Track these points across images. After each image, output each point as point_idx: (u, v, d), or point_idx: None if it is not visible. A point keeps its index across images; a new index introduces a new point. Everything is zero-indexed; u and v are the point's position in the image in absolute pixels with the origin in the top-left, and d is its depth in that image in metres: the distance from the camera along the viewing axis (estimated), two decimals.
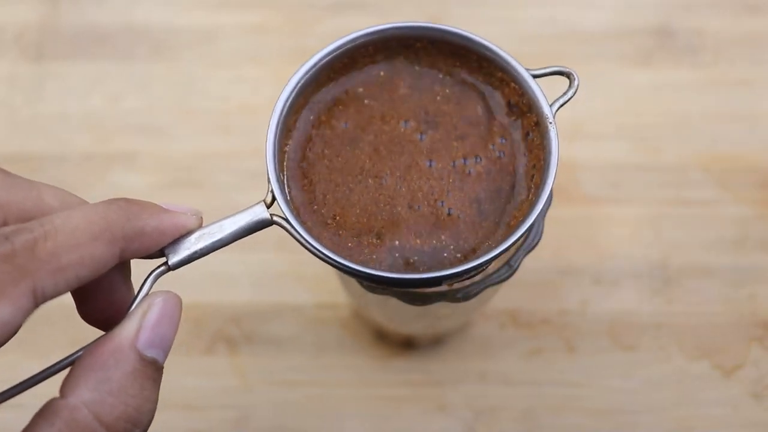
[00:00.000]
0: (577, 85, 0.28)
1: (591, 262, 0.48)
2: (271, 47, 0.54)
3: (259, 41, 0.55)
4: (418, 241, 0.28)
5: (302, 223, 0.26)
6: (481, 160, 0.29)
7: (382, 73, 0.31)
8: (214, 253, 0.26)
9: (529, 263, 0.37)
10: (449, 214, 0.29)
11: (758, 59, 0.54)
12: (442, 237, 0.28)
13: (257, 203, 0.26)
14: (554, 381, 0.45)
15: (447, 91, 0.31)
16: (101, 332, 0.24)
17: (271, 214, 0.26)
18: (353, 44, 0.29)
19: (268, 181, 0.27)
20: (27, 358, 0.43)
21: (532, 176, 0.29)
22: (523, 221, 0.27)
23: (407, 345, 0.46)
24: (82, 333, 0.46)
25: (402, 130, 0.30)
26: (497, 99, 0.30)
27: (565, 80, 0.29)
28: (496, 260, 0.27)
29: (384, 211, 0.29)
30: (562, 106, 0.28)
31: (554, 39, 0.54)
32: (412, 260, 0.28)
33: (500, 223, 0.29)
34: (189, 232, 0.25)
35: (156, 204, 0.24)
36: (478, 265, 0.26)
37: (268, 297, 0.47)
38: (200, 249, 0.25)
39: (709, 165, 0.50)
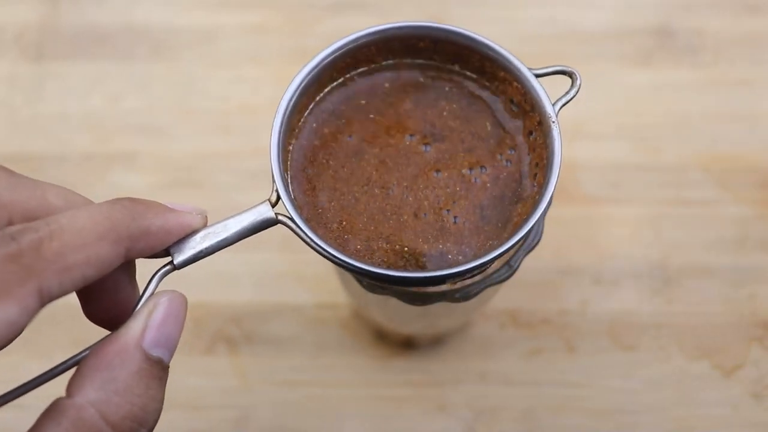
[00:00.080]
0: (579, 85, 0.28)
1: (591, 262, 0.48)
2: (271, 47, 0.54)
3: (259, 41, 0.55)
4: (426, 246, 0.28)
5: (307, 222, 0.26)
6: (487, 169, 0.30)
7: (387, 85, 0.31)
8: (214, 252, 0.26)
9: (529, 263, 0.37)
10: (455, 223, 0.29)
11: (758, 59, 0.54)
12: (448, 244, 0.28)
13: (262, 202, 0.26)
14: (554, 381, 0.46)
15: (454, 105, 0.31)
16: (104, 332, 0.24)
17: (276, 214, 0.26)
18: (356, 44, 0.29)
19: (273, 181, 0.27)
20: (29, 358, 0.43)
21: (535, 175, 0.29)
22: (527, 220, 0.27)
23: (407, 345, 0.46)
24: (84, 333, 0.46)
25: (407, 142, 0.30)
26: (500, 100, 0.30)
27: (566, 80, 0.29)
28: (497, 260, 0.27)
29: (391, 219, 0.29)
30: (564, 105, 0.28)
31: (554, 39, 0.54)
32: (418, 262, 0.28)
33: (504, 226, 0.29)
34: (194, 232, 0.25)
35: (161, 203, 0.24)
36: (482, 264, 0.26)
37: (268, 297, 0.47)
38: (205, 248, 0.25)
39: (709, 165, 0.50)
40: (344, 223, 0.29)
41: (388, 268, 0.28)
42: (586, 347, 0.46)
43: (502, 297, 0.47)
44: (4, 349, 0.20)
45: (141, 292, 0.24)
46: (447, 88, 0.31)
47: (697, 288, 0.47)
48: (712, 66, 0.53)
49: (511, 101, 0.30)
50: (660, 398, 0.45)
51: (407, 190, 0.29)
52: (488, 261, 0.26)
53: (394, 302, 0.32)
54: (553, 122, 0.28)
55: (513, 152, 0.30)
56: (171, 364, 0.23)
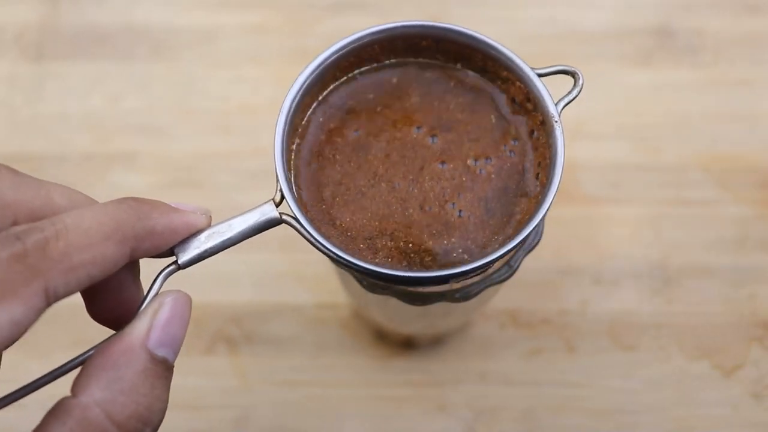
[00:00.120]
0: (582, 84, 0.28)
1: (591, 262, 0.48)
2: (271, 47, 0.54)
3: (259, 41, 0.55)
4: (431, 242, 0.28)
5: (311, 222, 0.26)
6: (492, 160, 0.30)
7: (393, 80, 0.31)
8: (206, 259, 0.26)
9: (529, 263, 0.37)
10: (460, 216, 0.29)
11: (758, 59, 0.54)
12: (453, 239, 0.28)
13: (266, 202, 0.26)
14: (554, 381, 0.46)
15: (459, 99, 0.31)
16: (103, 332, 0.24)
17: (280, 213, 0.26)
18: (359, 43, 0.29)
19: (277, 180, 0.27)
20: (28, 359, 0.43)
21: (537, 174, 0.29)
22: (530, 219, 0.27)
23: (407, 345, 0.46)
24: (84, 333, 0.46)
25: (414, 135, 0.30)
26: (503, 99, 0.30)
27: (567, 79, 0.29)
28: (492, 265, 0.27)
29: (396, 214, 0.29)
30: (567, 104, 0.28)
31: (554, 39, 0.54)
32: (423, 260, 0.28)
33: (508, 223, 0.29)
34: (198, 232, 0.25)
35: (166, 203, 0.24)
36: (486, 263, 0.26)
37: (268, 297, 0.47)
38: (210, 248, 0.25)
39: (709, 165, 0.50)
40: (348, 219, 0.29)
41: (393, 267, 0.28)
42: (586, 347, 0.46)
43: (502, 297, 0.47)
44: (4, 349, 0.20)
45: (146, 292, 0.24)
46: (452, 84, 0.31)
47: (697, 288, 0.47)
48: (712, 66, 0.53)
49: (514, 101, 0.30)
50: (660, 398, 0.45)
51: (413, 182, 0.29)
52: (491, 261, 0.26)
53: (394, 302, 0.32)
54: (556, 122, 0.28)
55: (517, 143, 0.30)
56: None
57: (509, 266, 0.32)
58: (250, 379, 0.46)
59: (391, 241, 0.29)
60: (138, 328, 0.22)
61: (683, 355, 0.46)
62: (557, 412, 0.45)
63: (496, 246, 0.28)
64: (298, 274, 0.48)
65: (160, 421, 0.22)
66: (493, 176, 0.29)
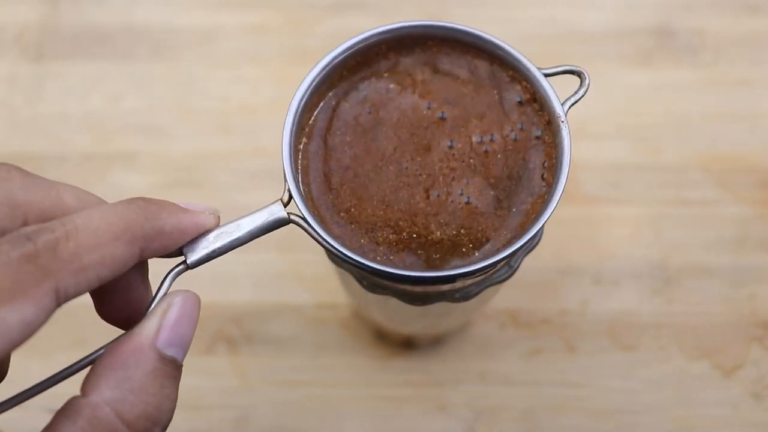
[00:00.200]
0: (588, 84, 0.28)
1: (591, 262, 0.48)
2: (271, 47, 0.54)
3: (259, 41, 0.55)
4: (438, 233, 0.28)
5: (320, 222, 0.26)
6: (496, 137, 0.30)
7: (401, 67, 0.31)
8: (227, 252, 0.26)
9: (529, 263, 0.37)
10: (468, 203, 0.29)
11: (758, 59, 0.54)
12: (462, 229, 0.28)
13: (274, 202, 0.26)
14: (554, 381, 0.46)
15: (465, 75, 0.31)
16: (103, 333, 0.24)
17: (288, 213, 0.26)
18: (365, 43, 0.30)
19: (285, 180, 0.27)
20: (29, 359, 0.43)
21: (543, 174, 0.29)
22: (537, 219, 0.27)
23: (407, 345, 0.46)
24: (84, 333, 0.46)
25: (423, 112, 0.30)
26: (510, 96, 0.30)
27: (570, 80, 0.29)
28: (497, 265, 0.27)
29: (402, 201, 0.29)
30: (573, 104, 0.28)
31: (554, 39, 0.54)
32: (429, 255, 0.28)
33: (515, 215, 0.29)
34: (207, 231, 0.25)
35: (174, 203, 0.24)
36: (491, 263, 0.26)
37: (268, 297, 0.47)
38: (218, 248, 0.25)
39: (709, 165, 0.50)
40: (353, 210, 0.29)
41: (401, 267, 0.28)
42: (586, 347, 0.46)
43: (502, 297, 0.47)
44: None
45: (154, 292, 0.24)
46: (461, 71, 0.31)
47: (697, 288, 0.47)
48: (712, 66, 0.53)
49: (520, 101, 0.30)
50: (660, 398, 0.45)
51: (421, 165, 0.29)
52: (497, 261, 0.26)
53: (394, 302, 0.32)
54: (563, 122, 0.28)
55: (525, 126, 0.30)
56: None
57: (509, 266, 0.32)
58: (250, 379, 0.46)
59: (394, 233, 0.29)
60: (147, 328, 0.22)
61: (683, 355, 0.46)
62: (557, 412, 0.45)
63: (504, 237, 0.28)
64: (298, 274, 0.48)
65: (169, 420, 0.22)
66: (499, 155, 0.29)
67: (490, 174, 0.29)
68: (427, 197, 0.29)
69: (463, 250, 0.28)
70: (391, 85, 0.31)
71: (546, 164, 0.29)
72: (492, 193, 0.29)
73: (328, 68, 0.29)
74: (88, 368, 0.22)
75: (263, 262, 0.48)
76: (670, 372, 0.46)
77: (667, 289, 0.47)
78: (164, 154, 0.51)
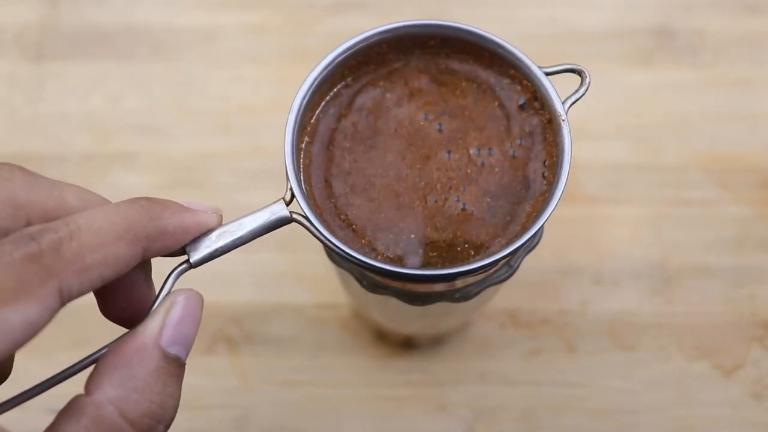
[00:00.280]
0: (589, 83, 0.28)
1: (591, 262, 0.48)
2: (271, 47, 0.54)
3: (259, 41, 0.55)
4: (435, 235, 0.28)
5: (322, 221, 0.26)
6: (495, 152, 0.30)
7: (398, 73, 0.31)
8: (230, 251, 0.26)
9: (529, 263, 0.37)
10: (464, 209, 0.29)
11: (758, 59, 0.54)
12: (458, 232, 0.29)
13: (276, 201, 0.26)
14: (554, 381, 0.46)
15: (466, 94, 0.31)
16: (103, 333, 0.24)
17: (290, 212, 0.26)
18: (366, 43, 0.30)
19: (287, 179, 0.27)
20: (29, 359, 0.43)
21: (543, 173, 0.29)
22: (537, 217, 0.27)
23: (407, 345, 0.46)
24: (84, 333, 0.46)
25: (421, 123, 0.30)
26: (511, 97, 0.30)
27: (570, 79, 0.29)
28: (498, 264, 0.27)
29: (402, 205, 0.29)
30: (574, 103, 0.28)
31: (554, 39, 0.54)
32: (428, 255, 0.28)
33: (513, 219, 0.29)
34: (209, 231, 0.25)
35: (177, 203, 0.24)
36: (492, 262, 0.26)
37: (268, 297, 0.47)
38: (221, 247, 0.25)
39: (709, 165, 0.50)
40: (354, 211, 0.29)
41: (402, 266, 0.28)
42: (586, 347, 0.46)
43: (502, 297, 0.47)
44: None
45: (158, 291, 0.24)
46: (460, 76, 0.31)
47: (697, 288, 0.47)
48: (712, 66, 0.53)
49: (521, 100, 0.30)
50: (660, 398, 0.45)
51: (420, 172, 0.29)
52: (498, 259, 0.26)
53: (394, 302, 0.32)
54: (564, 121, 0.28)
55: (523, 141, 0.30)
56: None
57: (509, 266, 0.32)
58: (250, 379, 0.46)
59: (393, 235, 0.29)
60: (151, 327, 0.23)
61: (683, 355, 0.46)
62: (557, 412, 0.45)
63: (502, 242, 0.28)
64: (298, 274, 0.48)
65: (173, 418, 0.22)
66: (497, 169, 0.29)
67: (488, 184, 0.29)
68: (425, 203, 0.29)
69: (461, 253, 0.28)
70: (389, 95, 0.31)
71: (547, 163, 0.29)
72: (489, 200, 0.29)
73: (330, 67, 0.29)
74: (91, 367, 0.22)
75: (263, 262, 0.48)
76: (670, 372, 0.46)
77: (667, 289, 0.47)
78: (164, 154, 0.51)
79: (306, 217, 0.26)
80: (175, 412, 0.22)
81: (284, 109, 0.28)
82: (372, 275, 0.31)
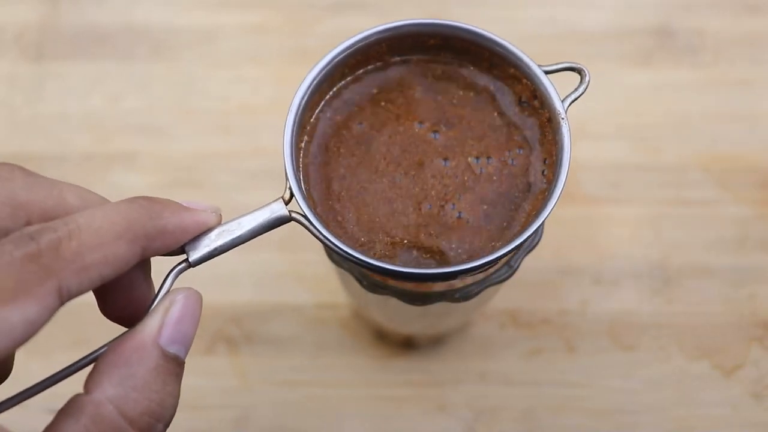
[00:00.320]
0: (588, 81, 0.28)
1: (591, 262, 0.48)
2: (271, 47, 0.54)
3: (259, 41, 0.55)
4: (428, 242, 0.28)
5: (321, 220, 0.26)
6: (493, 160, 0.30)
7: (397, 77, 0.31)
8: (229, 250, 0.26)
9: (529, 263, 0.37)
10: (459, 217, 0.29)
11: (758, 59, 0.54)
12: (453, 237, 0.29)
13: (275, 200, 0.26)
14: (554, 381, 0.46)
15: (464, 97, 0.31)
16: (103, 332, 0.24)
17: (289, 211, 0.26)
18: (366, 42, 0.30)
19: (286, 178, 0.27)
20: (29, 359, 0.43)
21: (543, 171, 0.29)
22: (537, 215, 0.27)
23: (407, 345, 0.46)
24: (84, 333, 0.46)
25: (417, 129, 0.30)
26: (509, 97, 0.30)
27: (570, 78, 0.29)
28: (504, 257, 0.27)
29: (397, 211, 0.29)
30: (573, 101, 0.28)
31: (554, 39, 0.54)
32: (422, 257, 0.28)
33: (511, 222, 0.29)
34: (209, 230, 0.25)
35: (176, 202, 0.24)
36: (493, 259, 0.26)
37: (268, 297, 0.47)
38: (220, 246, 0.25)
39: (709, 165, 0.50)
40: (350, 214, 0.29)
41: (403, 265, 0.28)
42: (586, 347, 0.46)
43: (502, 297, 0.47)
44: None
45: (157, 290, 0.24)
46: (459, 81, 0.31)
47: (697, 288, 0.47)
48: (712, 66, 0.53)
49: (521, 98, 0.30)
50: (660, 398, 0.45)
51: (414, 179, 0.29)
52: (499, 257, 0.26)
53: (394, 302, 0.32)
54: (563, 119, 0.28)
55: (521, 151, 0.30)
56: None
57: (509, 266, 0.32)
58: (250, 379, 0.46)
59: (388, 236, 0.29)
60: (150, 326, 0.23)
61: (683, 355, 0.46)
62: (557, 412, 0.45)
63: (497, 246, 0.28)
64: (298, 274, 0.48)
65: (172, 416, 0.22)
66: (494, 177, 0.29)
67: (484, 193, 0.29)
68: (420, 210, 0.29)
69: (452, 254, 0.28)
70: (388, 98, 0.31)
71: (546, 162, 0.29)
72: (485, 207, 0.29)
73: (329, 67, 0.29)
74: (90, 366, 0.22)
75: (263, 262, 0.48)
76: (670, 372, 0.46)
77: (667, 289, 0.47)
78: (164, 154, 0.51)
79: (305, 216, 0.26)
80: (175, 410, 0.22)
81: (284, 109, 0.28)
82: (371, 274, 0.31)
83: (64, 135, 0.52)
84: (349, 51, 0.29)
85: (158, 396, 0.22)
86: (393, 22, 0.30)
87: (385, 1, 0.55)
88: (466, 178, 0.29)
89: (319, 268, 0.48)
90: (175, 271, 0.25)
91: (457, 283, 0.31)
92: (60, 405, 0.21)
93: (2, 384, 0.24)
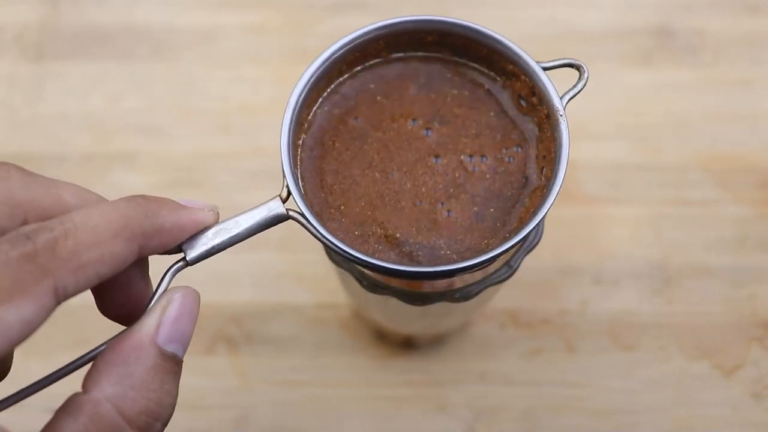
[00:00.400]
0: (587, 78, 0.28)
1: (591, 262, 0.48)
2: (271, 47, 0.54)
3: (259, 41, 0.55)
4: (420, 237, 0.28)
5: (318, 218, 0.26)
6: (488, 159, 0.30)
7: (395, 73, 0.31)
8: (214, 255, 0.26)
9: (529, 263, 0.37)
10: (449, 215, 0.29)
11: (758, 59, 0.54)
12: (443, 234, 0.28)
13: (272, 198, 0.26)
14: (554, 381, 0.46)
15: (460, 94, 0.31)
16: (103, 332, 0.24)
17: (287, 209, 0.26)
18: (365, 38, 0.29)
19: (284, 176, 0.27)
20: (28, 359, 0.43)
21: (542, 168, 0.29)
22: (536, 213, 0.27)
23: (407, 345, 0.46)
24: (84, 333, 0.46)
25: (410, 126, 0.30)
26: (507, 94, 0.30)
27: (569, 76, 0.29)
28: (496, 260, 0.27)
29: (389, 205, 0.29)
30: (572, 98, 0.28)
31: (554, 39, 0.54)
32: (415, 254, 0.28)
33: (507, 220, 0.29)
34: (206, 228, 0.25)
35: (173, 200, 0.24)
36: (493, 256, 0.26)
37: (268, 297, 0.47)
38: (217, 244, 0.25)
39: (709, 165, 0.50)
40: (343, 207, 0.29)
41: (397, 262, 0.28)
42: (586, 347, 0.46)
43: (502, 297, 0.47)
44: None
45: (154, 289, 0.24)
46: (456, 79, 0.31)
47: (697, 288, 0.47)
48: (712, 66, 0.53)
49: (519, 95, 0.30)
50: (660, 398, 0.45)
51: (406, 175, 0.29)
52: (499, 254, 0.26)
53: (394, 302, 0.32)
54: (561, 116, 0.28)
55: (519, 149, 0.30)
56: None
57: (509, 266, 0.32)
58: (250, 379, 0.46)
59: (380, 229, 0.28)
60: (147, 325, 0.23)
61: (683, 355, 0.46)
62: (557, 412, 0.45)
63: (493, 245, 0.28)
64: (298, 274, 0.48)
65: (170, 415, 0.22)
66: (488, 176, 0.29)
67: (476, 191, 0.29)
68: (412, 205, 0.29)
69: (442, 253, 0.28)
70: (385, 95, 0.31)
71: (545, 158, 0.29)
72: (477, 210, 0.29)
73: (327, 63, 0.29)
74: (89, 365, 0.22)
75: (263, 262, 0.48)
76: (670, 372, 0.46)
77: (667, 289, 0.47)
78: (164, 154, 0.51)
79: (302, 214, 0.26)
80: (173, 409, 0.22)
81: (284, 109, 0.28)
82: (369, 272, 0.31)
83: (64, 135, 0.52)
84: (347, 48, 0.29)
85: (156, 395, 0.22)
86: (391, 19, 0.29)
87: (385, 1, 0.55)
88: (457, 175, 0.29)
89: (319, 268, 0.48)
90: (172, 269, 0.25)
91: (457, 282, 0.31)
92: (59, 405, 0.21)
93: (1, 383, 0.24)
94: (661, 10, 0.55)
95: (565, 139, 0.28)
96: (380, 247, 0.28)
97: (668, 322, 0.47)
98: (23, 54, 0.54)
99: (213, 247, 0.25)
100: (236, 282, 0.48)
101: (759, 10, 0.55)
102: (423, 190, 0.29)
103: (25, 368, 0.44)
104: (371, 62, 0.31)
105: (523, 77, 0.29)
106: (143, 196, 0.23)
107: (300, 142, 0.30)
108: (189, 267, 0.25)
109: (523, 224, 0.27)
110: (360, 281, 0.32)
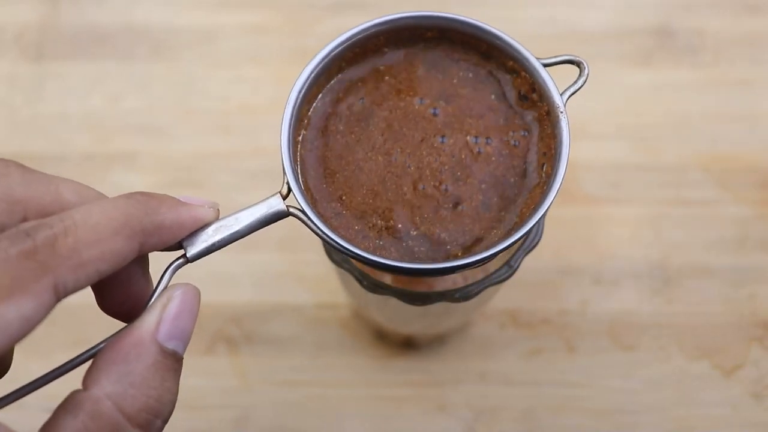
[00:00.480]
0: (588, 74, 0.28)
1: (591, 262, 0.48)
2: (271, 47, 0.54)
3: (259, 41, 0.55)
4: (422, 227, 0.28)
5: (318, 215, 0.26)
6: (492, 141, 0.29)
7: (396, 63, 0.31)
8: (214, 252, 0.26)
9: (529, 263, 0.37)
10: (457, 204, 0.29)
11: (758, 59, 0.54)
12: (450, 226, 0.28)
13: (273, 195, 0.26)
14: (554, 381, 0.45)
15: (462, 74, 0.30)
16: (103, 332, 0.24)
17: (287, 206, 0.26)
18: (365, 34, 0.29)
19: (284, 173, 0.27)
20: (28, 359, 0.43)
21: (543, 165, 0.29)
22: (536, 210, 0.27)
23: (407, 345, 0.46)
24: (84, 333, 0.46)
25: (417, 106, 0.30)
26: (509, 88, 0.30)
27: (570, 73, 0.29)
28: (496, 260, 0.27)
29: (390, 191, 0.29)
30: (573, 94, 0.28)
31: (554, 39, 0.54)
32: (416, 248, 0.28)
33: (508, 213, 0.29)
34: (206, 225, 0.25)
35: (174, 197, 0.24)
36: (491, 255, 0.26)
37: (268, 297, 0.47)
38: (218, 241, 0.25)
39: (709, 165, 0.50)
40: (344, 197, 0.29)
41: (395, 259, 0.28)
42: (586, 347, 0.46)
43: (502, 297, 0.47)
44: None
45: (155, 286, 0.24)
46: (458, 70, 0.31)
47: (697, 288, 0.47)
48: (712, 66, 0.53)
49: (519, 92, 0.30)
50: (660, 398, 0.45)
51: (410, 156, 0.29)
52: (499, 251, 0.26)
53: (394, 302, 0.32)
54: (562, 112, 0.28)
55: (525, 133, 0.29)
56: None
57: (509, 266, 0.32)
58: (250, 379, 0.46)
59: (381, 220, 0.28)
60: (148, 322, 0.23)
61: (683, 355, 0.46)
62: (557, 412, 0.45)
63: (499, 234, 0.28)
64: (298, 274, 0.48)
65: (170, 413, 0.22)
66: (493, 158, 0.29)
67: (483, 175, 0.29)
68: (414, 190, 0.29)
69: (448, 248, 0.28)
70: (384, 90, 0.30)
71: (545, 155, 0.29)
72: (481, 197, 0.29)
73: (326, 60, 0.29)
74: (89, 363, 0.22)
75: (263, 262, 0.48)
76: (670, 372, 0.46)
77: (667, 289, 0.47)
78: (164, 154, 0.51)
79: (302, 211, 0.26)
80: (173, 407, 0.22)
81: (284, 107, 0.28)
82: (369, 269, 0.30)
83: (64, 135, 0.52)
84: (347, 44, 0.29)
85: (156, 392, 0.22)
86: (391, 15, 0.29)
87: (385, 1, 0.55)
88: (463, 156, 0.29)
89: (319, 268, 0.48)
90: (172, 266, 0.25)
91: (457, 281, 0.31)
92: (58, 404, 0.21)
93: (1, 382, 0.24)
94: (661, 10, 0.55)
95: (566, 135, 0.28)
96: (381, 243, 0.28)
97: (668, 322, 0.47)
98: (23, 54, 0.54)
99: (213, 244, 0.25)
100: (236, 282, 0.48)
101: (759, 10, 0.55)
102: (427, 172, 0.29)
103: (25, 368, 0.44)
104: (371, 58, 0.31)
105: (523, 73, 0.29)
106: (143, 193, 0.23)
107: (300, 138, 0.30)
108: (189, 266, 0.25)
109: (523, 221, 0.27)
110: (360, 281, 0.32)
